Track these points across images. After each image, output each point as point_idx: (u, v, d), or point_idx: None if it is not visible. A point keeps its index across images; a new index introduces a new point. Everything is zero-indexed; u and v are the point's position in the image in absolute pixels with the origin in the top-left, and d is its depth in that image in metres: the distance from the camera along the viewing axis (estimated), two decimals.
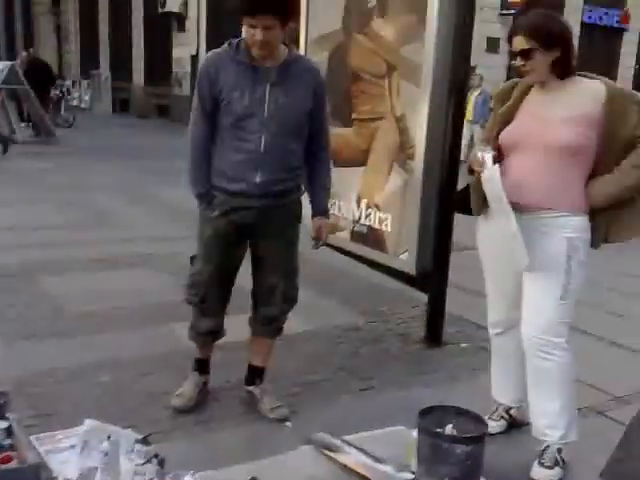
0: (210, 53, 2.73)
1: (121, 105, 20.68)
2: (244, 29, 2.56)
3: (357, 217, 4.04)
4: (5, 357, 3.37)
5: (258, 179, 2.68)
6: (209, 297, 2.88)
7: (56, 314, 3.98)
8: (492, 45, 16.30)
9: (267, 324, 2.96)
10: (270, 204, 2.74)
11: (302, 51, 4.28)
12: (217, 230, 2.78)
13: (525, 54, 2.49)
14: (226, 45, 2.70)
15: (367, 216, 3.98)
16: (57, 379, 3.14)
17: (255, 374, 3.04)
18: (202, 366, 3.07)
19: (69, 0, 23.55)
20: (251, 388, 3.04)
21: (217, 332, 2.99)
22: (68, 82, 18.72)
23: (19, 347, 3.51)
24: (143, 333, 3.78)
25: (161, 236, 5.89)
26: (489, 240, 2.71)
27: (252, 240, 2.87)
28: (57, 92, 16.18)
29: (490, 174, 2.52)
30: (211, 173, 2.76)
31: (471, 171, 2.65)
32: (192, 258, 2.93)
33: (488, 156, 2.53)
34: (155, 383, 3.17)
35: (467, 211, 2.79)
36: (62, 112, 16.07)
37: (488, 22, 16.52)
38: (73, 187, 8.24)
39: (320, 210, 2.95)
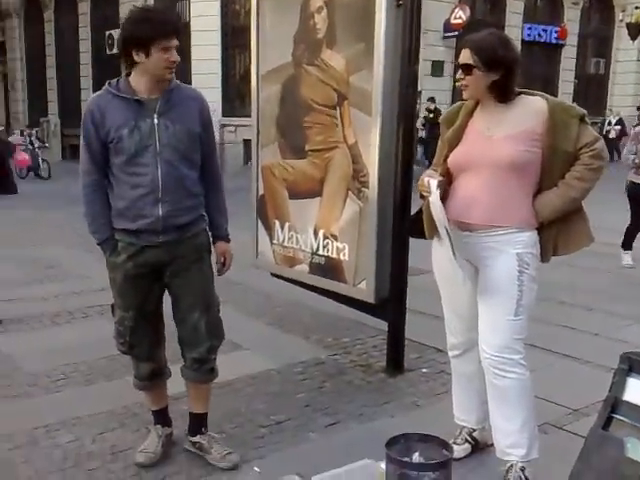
0: (92, 96, 2.72)
1: (71, 151, 20.49)
2: (156, 56, 2.55)
3: (315, 248, 4.07)
4: None
5: (161, 212, 2.66)
6: (137, 343, 2.83)
7: (12, 375, 3.88)
8: (436, 68, 16.66)
9: (197, 368, 2.85)
10: (176, 238, 2.72)
11: (253, 87, 4.32)
12: (128, 274, 2.74)
13: (465, 68, 2.55)
14: (106, 86, 2.70)
15: (325, 247, 4.01)
16: (16, 444, 3.06)
17: (198, 422, 2.98)
18: (162, 417, 3.02)
19: (16, 48, 23.41)
20: (197, 438, 2.96)
21: (159, 374, 2.95)
22: (33, 130, 18.43)
23: None
24: (100, 388, 3.71)
25: None
26: (442, 263, 2.74)
27: (166, 279, 2.81)
28: (28, 141, 15.84)
29: (433, 199, 2.58)
30: (110, 216, 2.73)
31: (422, 196, 2.69)
32: (112, 307, 2.88)
33: (433, 181, 2.58)
34: (118, 439, 3.12)
35: (421, 235, 2.83)
36: (40, 163, 15.63)
37: (432, 46, 16.91)
38: (22, 240, 8.04)
39: (221, 235, 2.94)
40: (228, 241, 2.96)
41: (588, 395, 3.32)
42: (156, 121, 2.63)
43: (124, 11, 18.09)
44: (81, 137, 2.69)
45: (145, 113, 2.62)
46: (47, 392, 3.67)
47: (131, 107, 2.62)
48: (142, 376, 2.92)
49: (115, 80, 2.70)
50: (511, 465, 2.64)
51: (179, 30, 2.63)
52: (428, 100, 15.82)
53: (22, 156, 15.22)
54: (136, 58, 2.58)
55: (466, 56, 2.54)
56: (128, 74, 2.68)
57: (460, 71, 2.58)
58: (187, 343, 2.85)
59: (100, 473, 2.84)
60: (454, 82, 16.90)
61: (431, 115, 15.07)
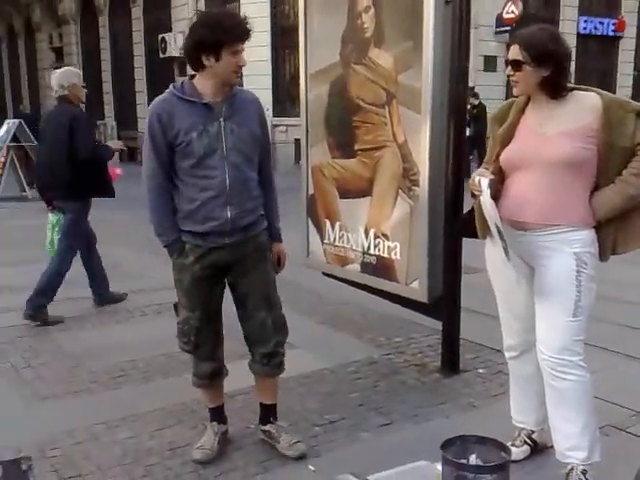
0: (157, 100, 2.73)
1: (128, 153, 20.91)
2: (226, 60, 2.59)
3: (366, 248, 4.07)
4: (25, 420, 3.39)
5: (229, 214, 2.71)
6: (202, 342, 2.87)
7: (73, 372, 3.99)
8: (489, 64, 16.36)
9: (266, 363, 2.92)
10: (241, 239, 2.77)
11: (302, 87, 4.34)
12: (195, 276, 2.78)
13: (515, 64, 2.50)
14: (171, 88, 2.72)
15: (376, 246, 4.00)
16: (77, 440, 3.14)
17: (268, 412, 3.05)
18: (218, 415, 3.06)
19: (73, 53, 24.07)
20: (267, 427, 3.04)
21: (219, 373, 2.99)
22: None
23: (38, 408, 3.52)
24: (158, 385, 3.78)
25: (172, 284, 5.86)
26: (496, 263, 2.70)
27: (229, 279, 2.86)
28: None
29: (484, 198, 2.55)
30: (176, 219, 2.76)
31: (474, 195, 2.66)
32: (175, 306, 2.92)
33: (484, 180, 2.55)
34: (175, 436, 3.17)
35: (473, 235, 2.79)
36: None
37: (484, 41, 16.65)
38: None
39: (276, 236, 2.99)
40: (281, 241, 3.02)
41: None
42: (222, 124, 2.67)
43: (176, 15, 18.42)
44: (146, 140, 2.71)
45: (213, 117, 2.66)
46: (107, 389, 3.76)
47: (199, 111, 2.66)
48: (202, 375, 2.96)
49: (179, 83, 2.75)
50: (572, 468, 2.58)
51: (248, 34, 2.65)
52: (472, 96, 15.24)
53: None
54: (205, 62, 2.61)
55: (515, 52, 2.50)
56: (192, 77, 2.72)
57: (509, 67, 2.54)
58: (255, 340, 2.92)
59: (158, 469, 2.89)
60: (508, 77, 16.55)
61: (474, 111, 14.52)
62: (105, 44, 22.60)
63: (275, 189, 3.00)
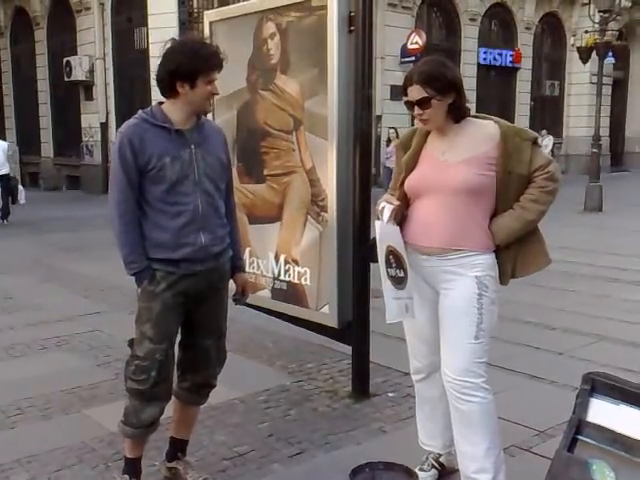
0: (127, 124, 2.64)
1: (30, 179, 20.14)
2: (201, 88, 2.58)
3: (276, 273, 4.05)
4: None
5: (203, 240, 2.66)
6: (162, 379, 2.65)
7: None
8: (396, 93, 16.83)
9: (195, 391, 2.85)
10: (211, 266, 2.72)
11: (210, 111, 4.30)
12: (166, 304, 2.64)
13: (422, 103, 2.54)
14: (140, 113, 2.67)
15: (286, 272, 3.99)
16: None
17: (178, 448, 2.93)
18: (134, 467, 2.77)
19: None
20: (173, 464, 2.91)
21: (158, 419, 2.73)
22: None
23: None
24: (57, 423, 3.57)
25: (74, 314, 5.62)
26: None
27: (189, 305, 2.75)
28: None
29: (378, 226, 2.60)
30: (146, 247, 2.65)
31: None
32: (131, 343, 2.71)
33: (387, 208, 2.59)
34: (75, 477, 2.99)
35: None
36: None
37: (390, 70, 17.15)
38: None
39: (240, 266, 2.99)
40: (245, 272, 3.07)
41: (554, 416, 3.29)
42: (194, 151, 2.64)
43: (82, 38, 17.97)
44: (116, 165, 2.60)
45: (184, 143, 2.63)
46: (1, 428, 3.52)
47: (171, 137, 2.61)
48: (144, 422, 2.68)
49: (148, 109, 2.68)
50: None
51: (222, 63, 2.65)
52: (390, 129, 15.52)
53: None
54: (180, 89, 2.58)
55: (418, 92, 2.52)
56: (161, 103, 2.68)
57: (416, 108, 2.56)
58: (192, 367, 2.83)
59: None
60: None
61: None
62: (6, 67, 21.78)
63: (236, 219, 2.98)
